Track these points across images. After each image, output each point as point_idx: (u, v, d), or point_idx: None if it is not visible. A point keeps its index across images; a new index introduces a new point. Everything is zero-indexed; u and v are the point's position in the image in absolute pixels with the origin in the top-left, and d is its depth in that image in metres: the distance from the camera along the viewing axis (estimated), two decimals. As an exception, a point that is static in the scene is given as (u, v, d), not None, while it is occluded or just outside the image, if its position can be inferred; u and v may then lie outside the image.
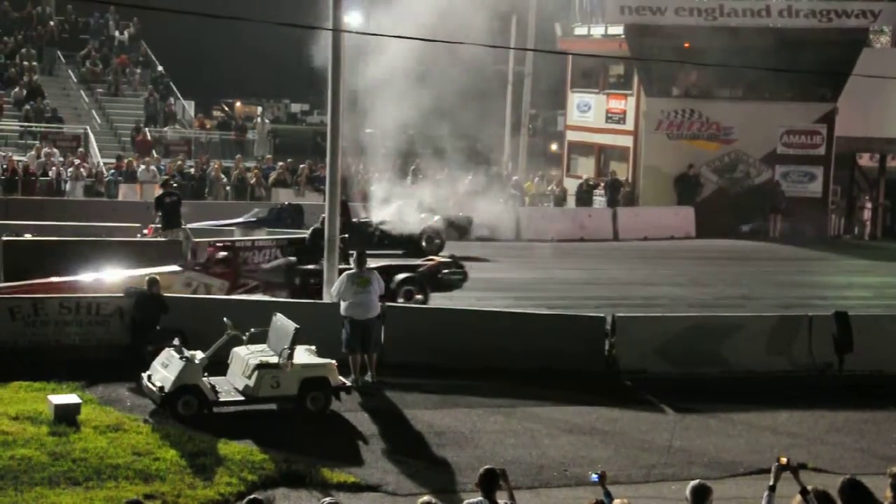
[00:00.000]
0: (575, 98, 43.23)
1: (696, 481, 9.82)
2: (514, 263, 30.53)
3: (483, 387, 18.08)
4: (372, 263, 23.62)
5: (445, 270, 23.37)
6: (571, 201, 40.03)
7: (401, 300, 21.78)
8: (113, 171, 36.65)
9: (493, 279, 27.63)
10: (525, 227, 35.75)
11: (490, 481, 10.07)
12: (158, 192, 27.02)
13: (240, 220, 29.72)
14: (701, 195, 38.06)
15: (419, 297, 22.36)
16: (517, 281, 27.85)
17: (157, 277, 18.78)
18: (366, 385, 17.73)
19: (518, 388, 18.12)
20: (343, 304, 18.01)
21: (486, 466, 10.24)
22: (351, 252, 19.87)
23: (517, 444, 15.85)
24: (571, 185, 40.99)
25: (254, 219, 29.83)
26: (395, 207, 28.94)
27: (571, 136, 43.72)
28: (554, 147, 47.24)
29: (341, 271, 21.03)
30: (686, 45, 36.67)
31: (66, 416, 14.99)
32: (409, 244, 28.14)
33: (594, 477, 10.15)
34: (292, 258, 22.28)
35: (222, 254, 21.95)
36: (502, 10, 36.31)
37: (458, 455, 15.28)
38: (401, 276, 22.67)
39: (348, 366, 17.61)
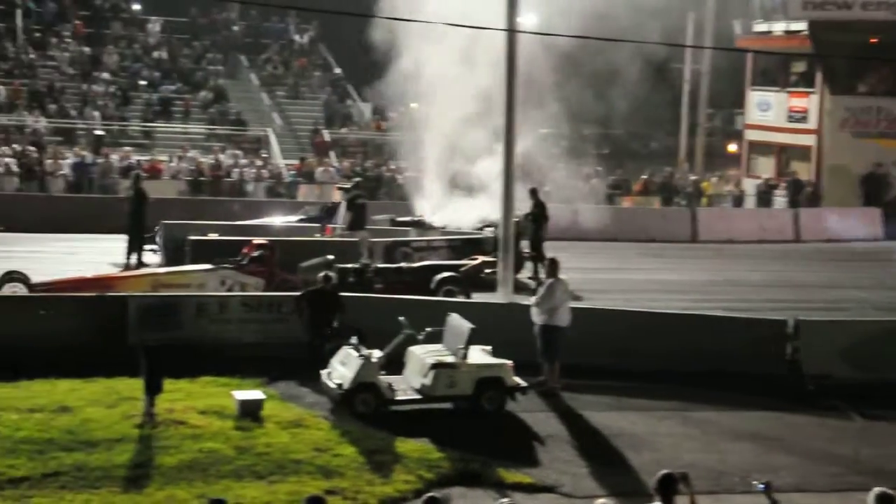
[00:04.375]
0: (754, 96, 42.38)
1: (881, 489, 9.41)
2: (691, 265, 30.05)
3: (660, 389, 17.83)
4: (415, 262, 23.79)
5: (488, 270, 23.14)
6: (750, 202, 39.23)
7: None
8: (293, 172, 37.55)
9: (669, 281, 27.29)
10: (702, 227, 35.17)
11: (669, 486, 9.92)
12: (346, 195, 27.39)
13: (291, 218, 29.98)
14: (889, 195, 36.77)
15: (460, 296, 22.07)
16: (694, 283, 27.38)
17: (332, 273, 18.90)
18: (547, 388, 17.62)
19: (696, 392, 17.81)
20: (541, 312, 17.74)
21: (665, 470, 10.08)
22: (548, 258, 19.74)
23: (695, 448, 15.58)
24: (750, 185, 40.18)
25: (304, 216, 30.10)
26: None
27: (751, 135, 42.87)
28: (732, 146, 46.35)
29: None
30: (872, 40, 35.52)
31: (250, 412, 15.38)
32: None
33: (760, 486, 9.86)
34: (331, 256, 22.33)
35: (258, 252, 22.17)
36: (679, 9, 35.83)
37: (636, 458, 15.10)
38: (442, 276, 22.58)
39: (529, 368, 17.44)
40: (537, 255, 25.76)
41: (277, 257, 22.37)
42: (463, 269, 23.08)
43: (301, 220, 29.17)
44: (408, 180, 33.84)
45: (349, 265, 22.17)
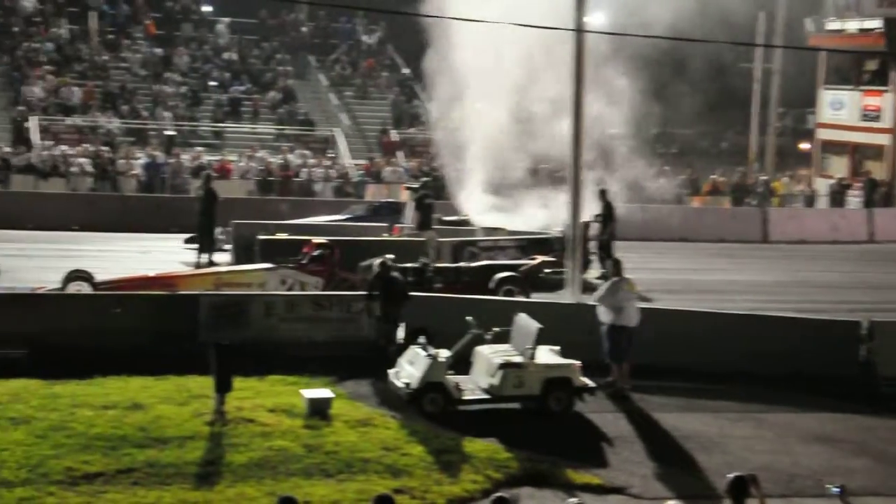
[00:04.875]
0: (827, 95, 41.84)
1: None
2: (762, 265, 29.74)
3: (730, 391, 17.66)
4: (474, 262, 23.69)
5: (547, 270, 22.93)
6: (822, 202, 38.73)
7: None
8: (361, 171, 37.72)
9: (740, 281, 27.04)
10: (773, 228, 34.79)
11: (740, 488, 9.80)
12: (413, 194, 27.47)
13: (338, 217, 29.98)
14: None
15: (520, 296, 21.90)
16: (765, 284, 27.10)
17: (389, 256, 18.95)
18: (616, 389, 17.52)
19: (766, 393, 17.63)
20: (608, 311, 17.67)
21: (736, 473, 9.98)
22: (612, 258, 19.65)
23: (767, 451, 15.41)
24: (823, 185, 39.66)
25: (350, 215, 30.12)
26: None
27: (823, 134, 42.35)
28: (804, 146, 45.79)
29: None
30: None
31: (319, 410, 15.45)
32: None
33: (835, 489, 9.71)
34: (389, 255, 22.30)
35: (318, 251, 22.14)
36: (751, 7, 35.51)
37: (706, 460, 14.97)
38: (501, 275, 22.44)
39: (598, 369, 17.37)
40: (606, 256, 25.60)
41: (338, 257, 22.48)
42: (522, 268, 23.01)
43: (347, 219, 29.38)
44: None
45: (408, 265, 22.21)
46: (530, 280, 22.70)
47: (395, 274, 18.59)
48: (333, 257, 22.42)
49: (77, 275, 21.07)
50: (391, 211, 30.36)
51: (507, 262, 23.65)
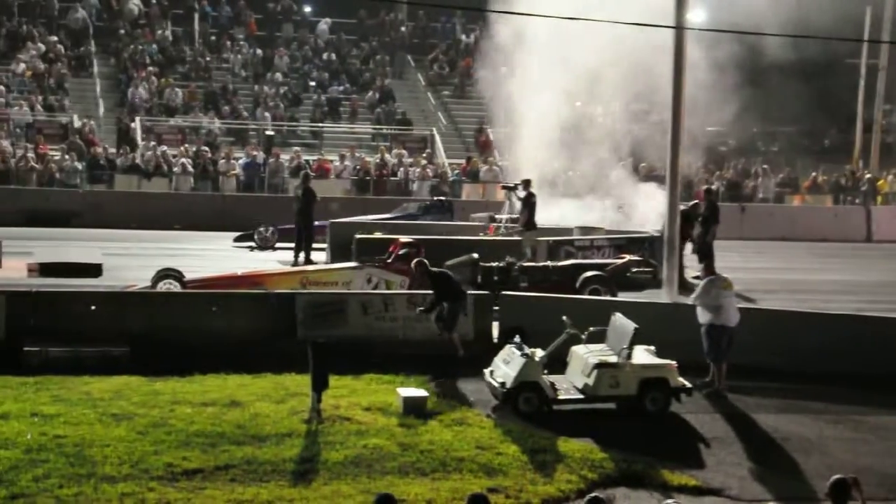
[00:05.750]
0: (937, 91, 40.88)
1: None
2: (865, 265, 29.18)
3: (830, 392, 17.35)
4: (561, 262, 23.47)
5: (635, 269, 22.58)
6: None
7: None
8: (457, 171, 37.79)
9: (842, 281, 26.59)
10: (878, 227, 34.11)
11: (841, 491, 9.64)
12: (510, 193, 27.46)
13: (388, 215, 29.88)
14: None
15: (606, 295, 21.64)
16: (868, 284, 26.60)
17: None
18: (714, 389, 17.32)
19: (868, 395, 17.28)
20: (706, 311, 17.45)
21: (837, 475, 9.81)
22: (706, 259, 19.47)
23: (869, 453, 15.11)
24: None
25: (401, 213, 30.07)
26: None
27: (929, 130, 41.35)
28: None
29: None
30: None
31: (414, 409, 15.51)
32: None
33: None
34: (475, 255, 22.19)
35: (403, 250, 22.15)
36: (856, 3, 34.86)
37: (805, 462, 14.73)
38: (587, 274, 22.17)
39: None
40: (704, 257, 25.29)
41: (423, 256, 22.53)
42: (609, 267, 22.84)
43: (397, 217, 29.50)
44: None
45: (493, 263, 22.20)
46: (617, 279, 22.53)
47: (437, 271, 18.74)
48: (419, 256, 22.50)
49: (167, 273, 21.48)
50: (442, 210, 30.54)
51: (594, 262, 23.50)
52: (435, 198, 32.81)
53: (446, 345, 18.36)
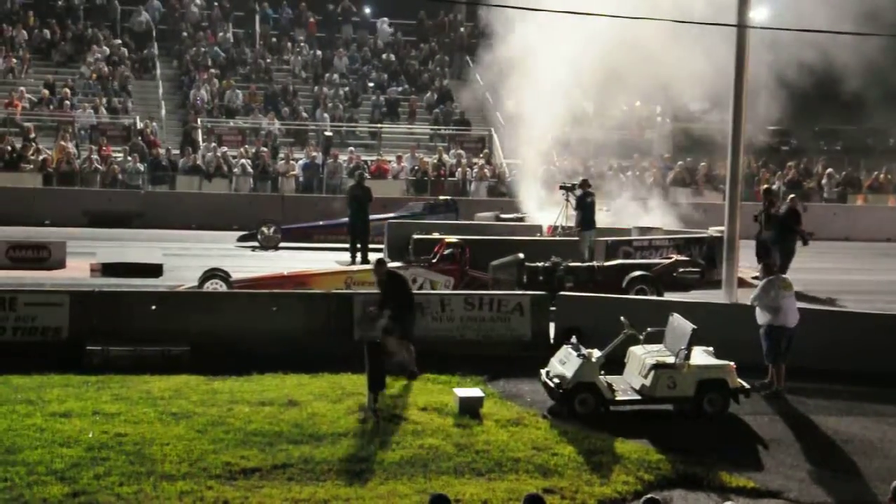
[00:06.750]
0: None
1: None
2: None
3: (892, 394, 17.13)
4: (607, 261, 23.32)
5: (682, 269, 22.31)
6: None
7: None
8: (515, 171, 37.72)
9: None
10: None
11: (903, 496, 9.51)
12: (566, 192, 27.39)
13: (393, 214, 29.77)
14: None
15: (652, 295, 21.45)
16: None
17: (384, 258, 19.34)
18: (773, 391, 17.14)
19: (931, 398, 17.05)
20: (765, 312, 17.23)
21: (899, 479, 9.69)
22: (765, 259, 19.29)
23: (931, 458, 14.90)
24: None
25: (406, 213, 29.91)
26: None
27: None
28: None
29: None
30: None
31: (470, 409, 15.52)
32: None
33: None
34: (521, 255, 22.04)
35: (448, 250, 22.03)
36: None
37: (867, 465, 14.56)
38: (633, 275, 21.97)
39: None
40: (765, 256, 25.05)
41: (469, 256, 22.55)
42: (655, 268, 22.67)
43: (401, 217, 29.49)
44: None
45: (538, 264, 22.12)
46: (664, 279, 22.37)
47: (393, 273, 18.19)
48: (464, 256, 22.53)
49: (214, 273, 21.67)
50: (447, 209, 30.51)
51: (641, 262, 23.36)
52: (441, 198, 32.76)
53: (505, 346, 18.33)
